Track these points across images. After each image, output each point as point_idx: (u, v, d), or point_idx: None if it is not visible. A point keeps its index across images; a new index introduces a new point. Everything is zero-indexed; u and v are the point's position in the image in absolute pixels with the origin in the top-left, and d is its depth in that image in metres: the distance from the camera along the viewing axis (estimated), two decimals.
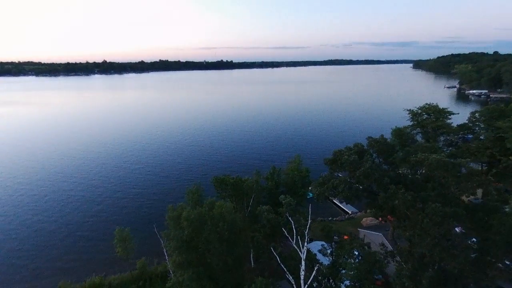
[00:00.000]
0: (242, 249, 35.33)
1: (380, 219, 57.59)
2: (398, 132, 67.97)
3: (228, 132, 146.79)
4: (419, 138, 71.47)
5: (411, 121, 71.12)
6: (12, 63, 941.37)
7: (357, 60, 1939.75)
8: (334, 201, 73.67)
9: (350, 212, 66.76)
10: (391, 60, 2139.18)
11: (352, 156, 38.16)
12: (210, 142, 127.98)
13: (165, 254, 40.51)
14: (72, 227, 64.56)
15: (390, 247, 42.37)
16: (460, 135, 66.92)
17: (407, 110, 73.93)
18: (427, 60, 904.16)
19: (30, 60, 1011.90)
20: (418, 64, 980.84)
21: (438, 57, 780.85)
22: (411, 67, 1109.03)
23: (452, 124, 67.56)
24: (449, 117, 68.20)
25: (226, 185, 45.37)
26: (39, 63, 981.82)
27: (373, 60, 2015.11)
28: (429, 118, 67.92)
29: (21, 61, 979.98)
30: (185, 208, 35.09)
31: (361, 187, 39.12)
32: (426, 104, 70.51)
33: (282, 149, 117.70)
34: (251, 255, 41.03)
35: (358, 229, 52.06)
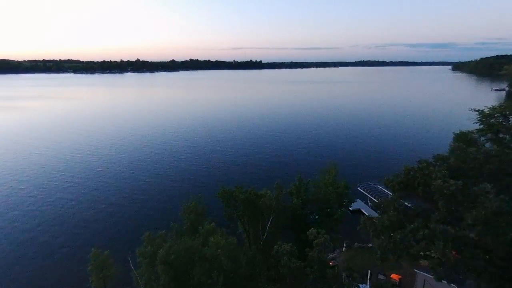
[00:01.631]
0: None
1: None
2: (464, 138, 53.33)
3: (249, 134, 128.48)
4: (486, 146, 56.24)
5: (479, 124, 56.01)
6: (53, 61, 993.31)
7: (391, 62, 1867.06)
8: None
9: None
10: (427, 62, 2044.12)
11: (451, 182, 20.46)
12: (227, 146, 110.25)
13: None
14: (49, 243, 53.08)
15: None
16: None
17: (475, 110, 58.60)
18: (468, 62, 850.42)
19: (70, 58, 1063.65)
20: (458, 66, 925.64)
21: (481, 59, 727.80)
22: (450, 69, 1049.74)
23: None
24: None
25: (236, 201, 33.74)
26: (77, 61, 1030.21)
27: (408, 62, 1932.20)
28: (507, 120, 52.54)
29: (61, 59, 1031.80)
30: (166, 240, 23.76)
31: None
32: (504, 102, 55.23)
33: (312, 156, 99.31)
34: None
35: (415, 270, 38.16)
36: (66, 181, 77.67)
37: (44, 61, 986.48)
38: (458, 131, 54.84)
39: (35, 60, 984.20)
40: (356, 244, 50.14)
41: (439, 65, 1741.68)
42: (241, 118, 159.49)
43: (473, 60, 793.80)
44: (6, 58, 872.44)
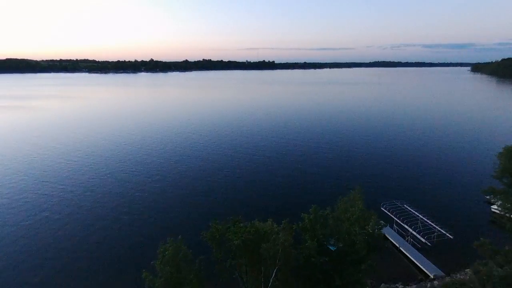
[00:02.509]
0: None
1: None
2: None
3: (252, 145, 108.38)
4: None
5: None
6: (70, 61, 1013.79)
7: (407, 62, 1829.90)
8: (404, 251, 49.72)
9: (432, 276, 43.23)
10: (445, 63, 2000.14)
11: None
12: (226, 160, 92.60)
13: None
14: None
15: None
16: None
17: None
18: (488, 63, 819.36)
19: (86, 58, 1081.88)
20: (478, 67, 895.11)
21: (503, 59, 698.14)
22: (468, 70, 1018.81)
23: None
24: None
25: (231, 245, 25.30)
26: (93, 61, 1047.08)
27: (424, 63, 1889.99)
28: None
29: (78, 59, 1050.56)
30: None
31: None
32: None
33: (328, 170, 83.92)
34: None
35: None
36: (53, 196, 71.08)
37: (60, 60, 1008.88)
38: (505, 145, 45.10)
39: (52, 60, 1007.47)
40: (383, 285, 40.92)
41: (457, 66, 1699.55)
42: (245, 125, 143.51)
43: (494, 61, 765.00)
44: (24, 57, 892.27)
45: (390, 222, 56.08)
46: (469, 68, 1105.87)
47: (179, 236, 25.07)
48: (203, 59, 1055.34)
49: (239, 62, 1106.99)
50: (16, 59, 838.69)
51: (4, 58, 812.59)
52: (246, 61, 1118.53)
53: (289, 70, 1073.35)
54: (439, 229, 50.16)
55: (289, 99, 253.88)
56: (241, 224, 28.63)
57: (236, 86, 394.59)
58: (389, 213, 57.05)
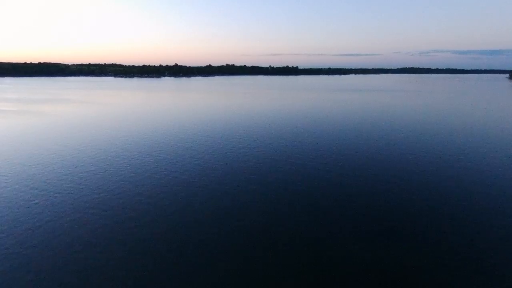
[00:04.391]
0: None
1: None
2: None
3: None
4: None
5: None
6: (97, 65, 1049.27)
7: (437, 69, 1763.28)
8: None
9: None
10: (478, 70, 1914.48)
11: None
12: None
13: None
14: None
15: None
16: None
17: None
18: None
19: (113, 62, 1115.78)
20: None
21: None
22: (506, 77, 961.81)
23: None
24: None
25: None
26: (120, 65, 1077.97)
27: (456, 69, 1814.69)
28: None
29: (105, 63, 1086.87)
30: None
31: None
32: None
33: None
34: None
35: None
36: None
37: (89, 64, 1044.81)
38: None
39: (81, 64, 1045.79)
40: None
41: (491, 73, 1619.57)
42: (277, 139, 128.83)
43: None
44: (56, 61, 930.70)
45: None
46: (506, 75, 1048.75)
47: None
48: (226, 64, 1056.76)
49: (262, 68, 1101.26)
50: (47, 63, 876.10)
51: (36, 62, 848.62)
52: (270, 66, 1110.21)
53: (314, 76, 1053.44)
54: None
55: (321, 111, 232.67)
56: None
57: (263, 93, 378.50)
58: None
